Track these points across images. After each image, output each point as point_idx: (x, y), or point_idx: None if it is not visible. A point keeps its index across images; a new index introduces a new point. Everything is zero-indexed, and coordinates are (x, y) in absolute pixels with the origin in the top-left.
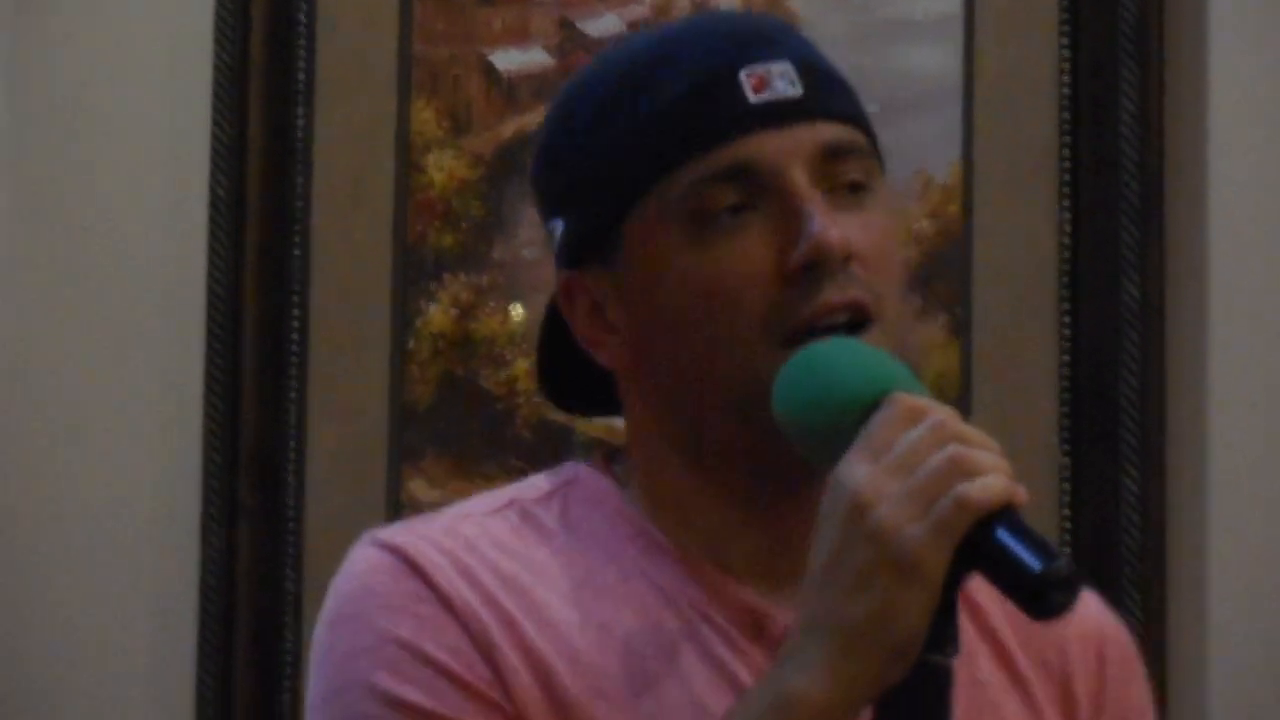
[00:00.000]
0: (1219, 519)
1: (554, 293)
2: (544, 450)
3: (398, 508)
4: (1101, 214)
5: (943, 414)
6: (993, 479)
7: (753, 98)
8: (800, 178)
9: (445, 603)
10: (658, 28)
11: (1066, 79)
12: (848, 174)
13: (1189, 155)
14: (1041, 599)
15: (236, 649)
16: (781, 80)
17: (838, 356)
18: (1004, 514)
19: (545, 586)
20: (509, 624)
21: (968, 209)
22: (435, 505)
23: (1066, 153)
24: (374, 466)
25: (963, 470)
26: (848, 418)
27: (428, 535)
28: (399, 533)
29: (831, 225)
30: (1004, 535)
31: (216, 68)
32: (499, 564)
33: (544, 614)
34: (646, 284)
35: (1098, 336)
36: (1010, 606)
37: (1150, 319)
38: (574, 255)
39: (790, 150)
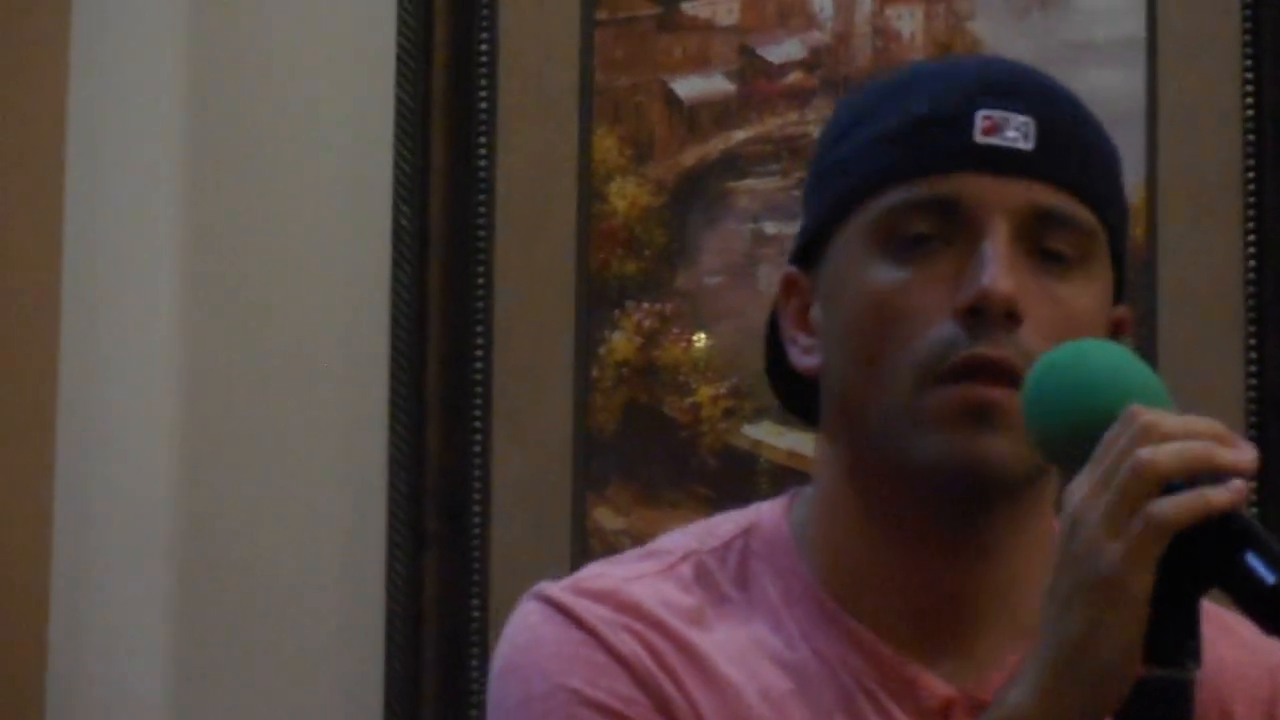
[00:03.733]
0: None
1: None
2: (728, 477)
3: (583, 536)
4: None
5: (1171, 420)
6: (1186, 495)
7: (980, 139)
8: (1001, 228)
9: (615, 654)
10: (930, 60)
11: (1250, 100)
12: (1055, 241)
13: None
14: (1275, 610)
15: (423, 675)
16: (1015, 131)
17: (1085, 360)
18: (1234, 521)
19: (713, 647)
20: (678, 681)
21: (1152, 232)
22: (620, 533)
23: (1251, 175)
24: (558, 494)
25: (1145, 476)
26: (1094, 421)
27: (594, 588)
28: (567, 586)
29: (1005, 277)
30: (1249, 554)
31: (399, 99)
32: (668, 624)
33: (712, 676)
34: (835, 291)
35: None
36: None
37: None
38: (798, 253)
39: (998, 200)
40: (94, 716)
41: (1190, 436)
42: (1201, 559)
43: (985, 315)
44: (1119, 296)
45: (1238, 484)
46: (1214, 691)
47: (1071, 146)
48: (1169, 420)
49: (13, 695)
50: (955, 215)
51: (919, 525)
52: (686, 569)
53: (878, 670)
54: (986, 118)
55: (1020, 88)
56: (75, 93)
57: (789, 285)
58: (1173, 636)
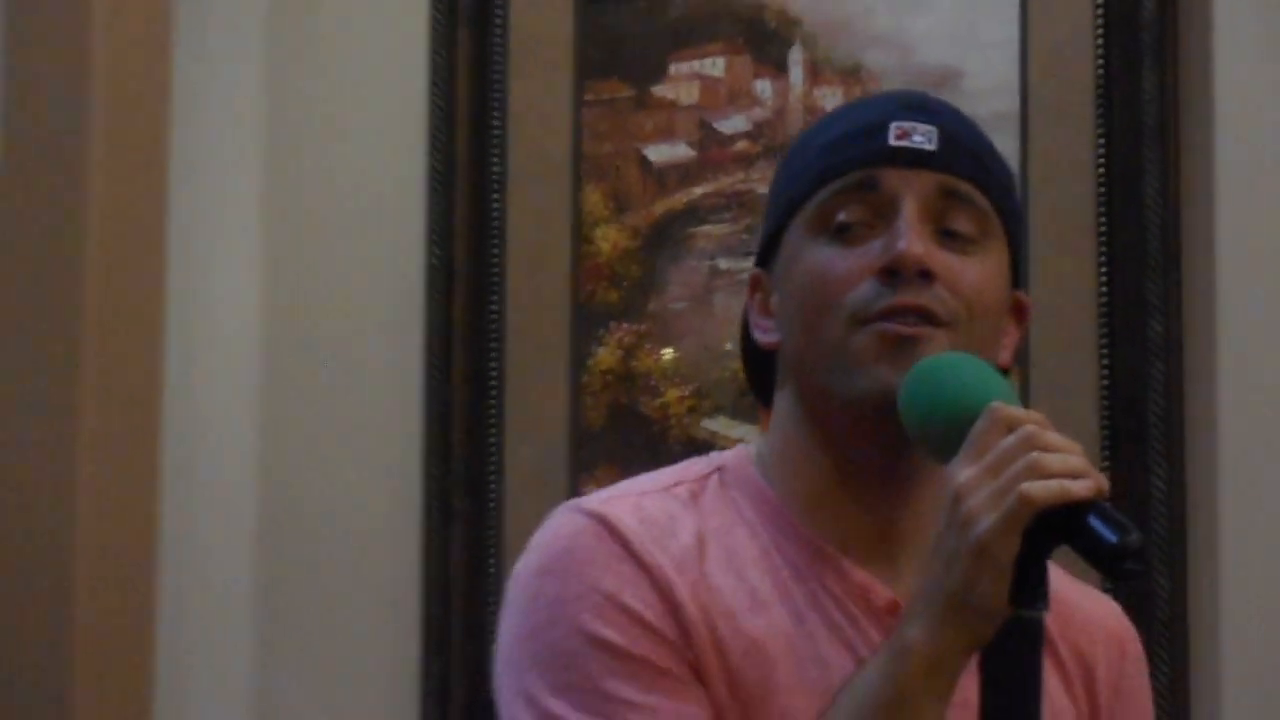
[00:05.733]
0: (1230, 515)
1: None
2: (636, 441)
3: None
4: (1131, 266)
5: (1031, 422)
6: (1053, 486)
7: (893, 142)
8: (911, 206)
9: (640, 563)
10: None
11: (1101, 159)
12: (957, 222)
13: (1201, 220)
14: (1117, 563)
15: (451, 621)
16: (921, 137)
17: (948, 371)
18: (1094, 503)
19: (708, 556)
20: (687, 585)
21: (1026, 261)
22: None
23: (1102, 217)
24: (557, 477)
25: (1035, 472)
26: (955, 420)
27: (629, 504)
28: (599, 503)
29: (916, 242)
30: (1091, 518)
31: (430, 164)
32: (681, 537)
33: (709, 580)
34: (786, 274)
35: (1130, 366)
36: (1055, 610)
37: (1172, 352)
38: (760, 256)
39: (908, 186)
40: (197, 648)
41: (1064, 450)
42: (1055, 525)
43: (901, 274)
44: (1016, 284)
45: (1095, 481)
46: (1082, 630)
47: (968, 149)
48: (1051, 434)
49: (127, 613)
50: (874, 200)
51: (860, 454)
52: (682, 491)
53: (837, 576)
54: (898, 127)
55: (927, 106)
56: (178, 139)
57: (754, 283)
58: (1030, 586)
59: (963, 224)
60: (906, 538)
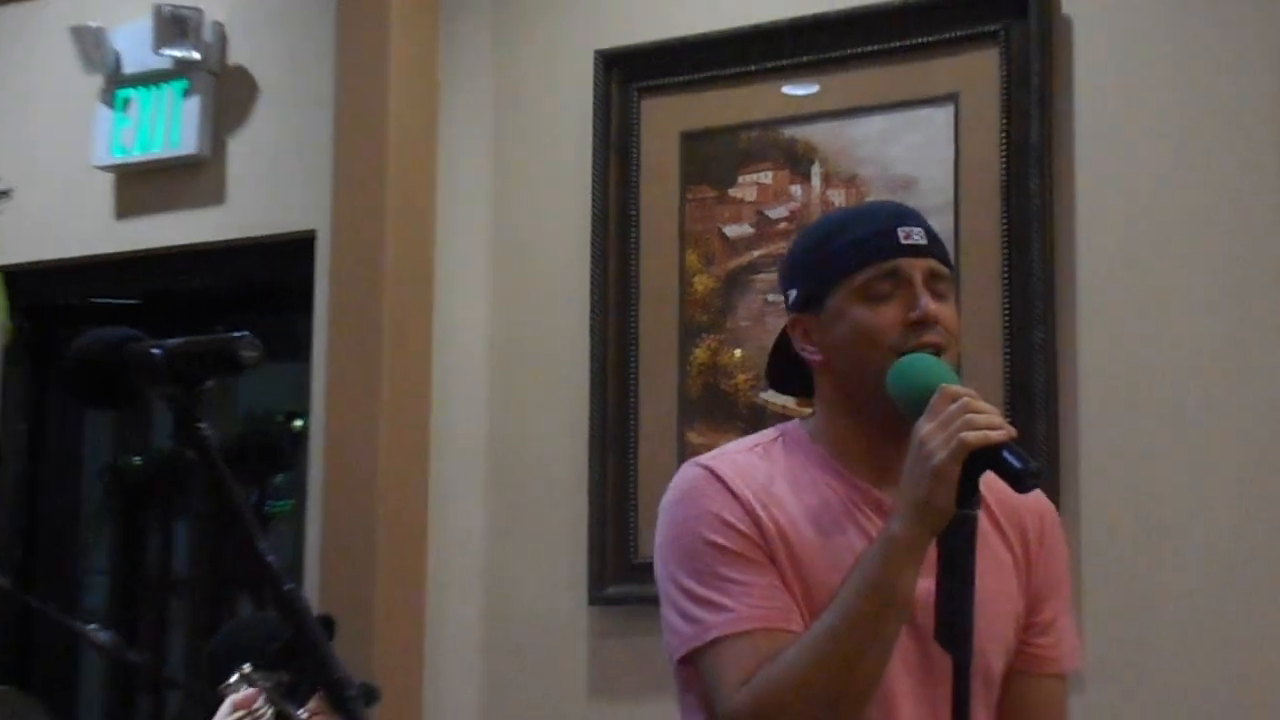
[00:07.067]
0: (1087, 453)
1: (785, 325)
2: (752, 418)
3: (682, 448)
4: (1021, 297)
5: (967, 395)
6: (979, 434)
7: (903, 240)
8: (919, 280)
9: (733, 495)
10: (855, 204)
11: (1005, 233)
12: (939, 285)
13: (1066, 268)
14: (1021, 482)
15: (607, 509)
16: (917, 235)
17: (917, 366)
18: (1006, 444)
19: (778, 488)
20: (766, 509)
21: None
22: (700, 447)
23: (1005, 268)
24: (670, 427)
25: (970, 426)
26: (922, 396)
27: (727, 461)
28: (709, 460)
29: (931, 304)
30: (1005, 453)
31: (593, 234)
32: (758, 477)
33: (780, 503)
34: (836, 322)
35: (1022, 359)
36: (999, 498)
37: (1049, 349)
38: (800, 307)
39: (915, 267)
40: (453, 535)
41: (988, 412)
42: (982, 458)
43: (924, 323)
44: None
45: (1007, 431)
46: (1015, 509)
47: (937, 240)
48: (980, 402)
49: (404, 553)
50: (897, 278)
51: (883, 421)
52: (759, 449)
53: (860, 493)
54: (904, 231)
55: (912, 215)
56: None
57: (795, 324)
58: (967, 495)
59: (941, 286)
60: (899, 467)
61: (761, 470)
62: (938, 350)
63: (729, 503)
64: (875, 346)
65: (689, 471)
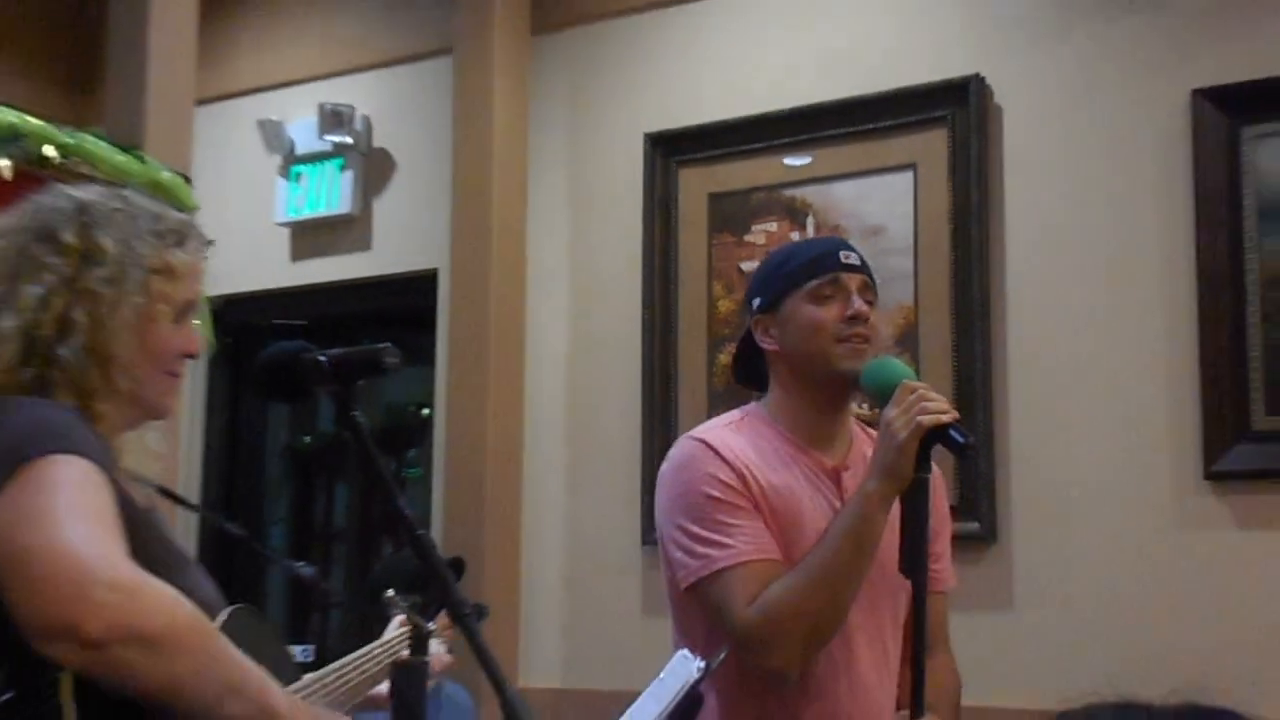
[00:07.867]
0: (1002, 426)
1: (746, 328)
2: (737, 399)
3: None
4: (965, 314)
5: (923, 388)
6: (932, 416)
7: (843, 260)
8: (854, 288)
9: (723, 459)
10: (806, 239)
11: (954, 271)
12: (868, 294)
13: (998, 294)
14: (963, 453)
15: (655, 457)
16: (854, 258)
17: (886, 367)
18: (953, 425)
19: (752, 456)
20: (749, 471)
21: (915, 304)
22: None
23: (954, 295)
24: (701, 409)
25: (925, 411)
26: (889, 389)
27: (714, 434)
28: (703, 433)
29: (862, 306)
30: (951, 431)
31: (644, 267)
32: (740, 449)
33: (756, 472)
34: (790, 319)
35: (964, 359)
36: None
37: (985, 352)
38: (763, 309)
39: (852, 279)
40: (541, 476)
41: (939, 400)
42: (934, 435)
43: (857, 319)
44: None
45: (952, 414)
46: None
47: (868, 267)
48: (932, 393)
49: (502, 513)
50: (838, 285)
51: (829, 398)
52: (733, 426)
53: (810, 459)
54: (845, 254)
55: (850, 246)
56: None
57: (758, 323)
58: (922, 462)
59: (869, 295)
60: (840, 435)
61: (738, 442)
62: (865, 339)
63: (722, 466)
64: (820, 334)
65: (686, 444)
